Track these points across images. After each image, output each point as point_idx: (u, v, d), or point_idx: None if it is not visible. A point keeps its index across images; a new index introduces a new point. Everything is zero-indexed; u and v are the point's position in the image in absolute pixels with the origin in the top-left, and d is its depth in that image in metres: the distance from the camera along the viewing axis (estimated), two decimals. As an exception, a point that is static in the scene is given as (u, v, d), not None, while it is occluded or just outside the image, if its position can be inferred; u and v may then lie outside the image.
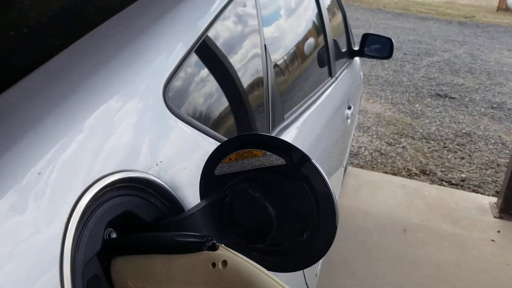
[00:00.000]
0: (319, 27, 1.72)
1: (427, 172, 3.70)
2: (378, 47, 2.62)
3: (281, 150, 0.56)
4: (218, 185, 0.60)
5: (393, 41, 2.57)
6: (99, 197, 0.51)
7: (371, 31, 10.59)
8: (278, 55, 1.23)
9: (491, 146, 4.31)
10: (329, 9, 2.12)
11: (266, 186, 0.57)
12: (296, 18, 1.48)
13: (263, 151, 0.56)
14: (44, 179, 0.45)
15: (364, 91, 5.77)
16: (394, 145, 4.16)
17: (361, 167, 3.70)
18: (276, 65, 1.17)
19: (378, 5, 16.61)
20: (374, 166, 3.75)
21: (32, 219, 0.43)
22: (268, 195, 0.56)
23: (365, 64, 7.21)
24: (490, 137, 4.54)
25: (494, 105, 5.63)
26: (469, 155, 4.06)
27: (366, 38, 2.60)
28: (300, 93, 1.39)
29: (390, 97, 5.65)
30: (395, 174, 3.62)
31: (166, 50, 0.66)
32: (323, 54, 1.76)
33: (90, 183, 0.49)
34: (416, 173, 3.67)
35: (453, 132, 4.61)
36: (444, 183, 3.54)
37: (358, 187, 3.27)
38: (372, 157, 3.90)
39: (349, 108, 2.10)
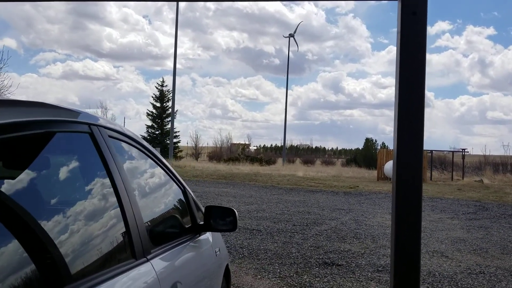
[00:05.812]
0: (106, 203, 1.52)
1: None
2: (223, 219, 2.48)
3: None
4: None
5: (236, 212, 2.46)
6: None
7: (264, 206, 10.94)
8: None
9: (379, 313, 4.10)
10: (143, 186, 1.99)
11: None
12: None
13: None
14: None
15: (252, 267, 5.51)
16: (279, 326, 3.76)
17: None
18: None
19: (272, 182, 17.71)
20: None
21: None
22: None
23: (254, 238, 7.11)
24: (377, 303, 4.36)
25: (380, 268, 5.64)
26: (357, 327, 3.77)
27: (210, 211, 2.46)
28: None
29: (278, 270, 5.42)
30: None
31: None
32: (115, 235, 1.54)
33: None
34: None
35: (341, 301, 4.37)
36: None
37: None
38: None
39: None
